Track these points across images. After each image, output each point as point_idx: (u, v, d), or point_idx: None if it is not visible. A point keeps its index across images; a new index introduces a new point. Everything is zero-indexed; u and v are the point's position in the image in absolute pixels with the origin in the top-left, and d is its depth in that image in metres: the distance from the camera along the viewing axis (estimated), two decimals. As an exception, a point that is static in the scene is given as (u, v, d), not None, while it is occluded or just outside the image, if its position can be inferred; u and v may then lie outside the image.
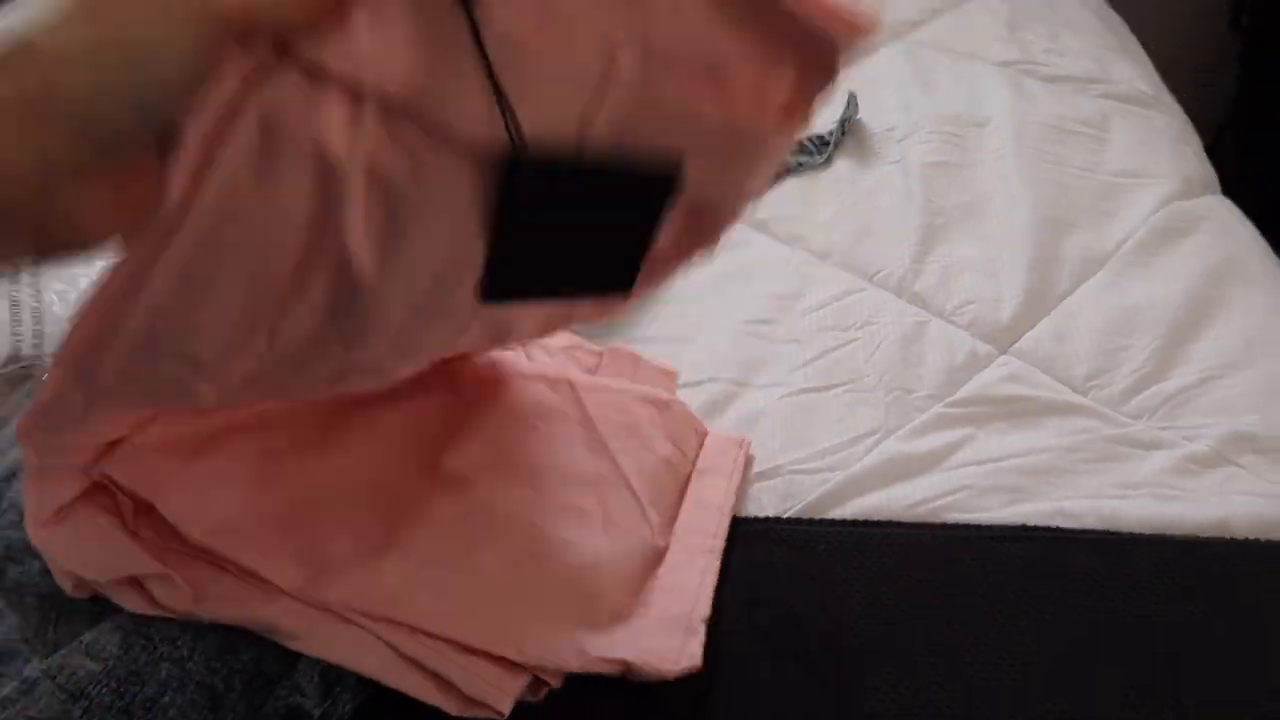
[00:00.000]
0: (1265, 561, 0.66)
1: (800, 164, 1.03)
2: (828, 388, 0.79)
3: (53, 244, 0.34)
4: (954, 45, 1.22)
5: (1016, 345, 0.82)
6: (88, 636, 0.62)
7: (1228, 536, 0.67)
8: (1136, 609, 0.63)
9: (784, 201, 0.99)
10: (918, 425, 0.75)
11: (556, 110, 0.40)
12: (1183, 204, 0.93)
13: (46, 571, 0.70)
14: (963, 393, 0.78)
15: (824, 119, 1.10)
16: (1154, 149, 1.01)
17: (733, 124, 0.46)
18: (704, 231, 0.53)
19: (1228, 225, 0.92)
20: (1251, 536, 0.67)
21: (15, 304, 0.84)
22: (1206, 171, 1.02)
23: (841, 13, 0.43)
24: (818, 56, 0.45)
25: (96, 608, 0.66)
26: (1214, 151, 2.16)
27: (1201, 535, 0.66)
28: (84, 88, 0.30)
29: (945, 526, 0.68)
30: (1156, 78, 1.18)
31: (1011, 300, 0.85)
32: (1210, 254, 0.88)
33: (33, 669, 0.62)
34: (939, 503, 0.69)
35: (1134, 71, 1.15)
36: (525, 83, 0.38)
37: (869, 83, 1.15)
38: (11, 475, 0.76)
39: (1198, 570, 0.65)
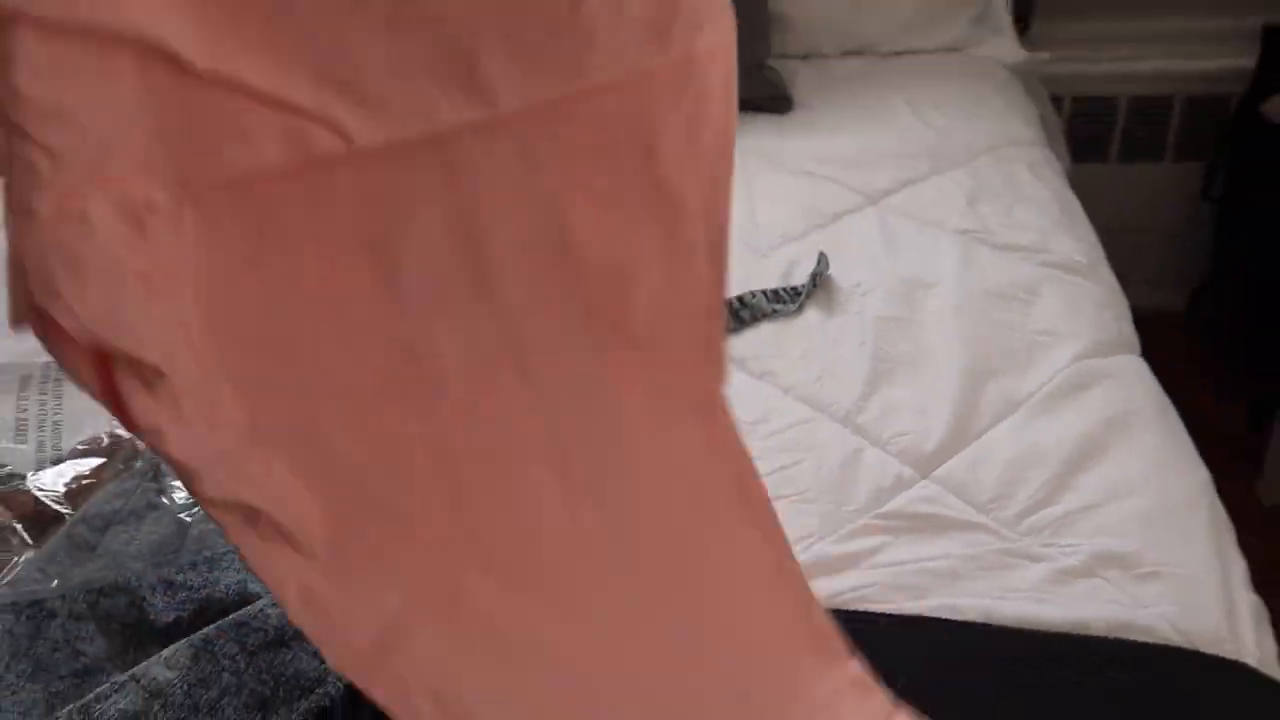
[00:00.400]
0: (1115, 655, 0.81)
1: (776, 311, 1.22)
2: (778, 498, 0.94)
3: None
4: (920, 213, 1.41)
5: (936, 471, 0.99)
6: (166, 651, 0.79)
7: (1087, 634, 0.82)
8: (1002, 684, 0.78)
9: (760, 343, 1.17)
10: (845, 533, 0.92)
11: None
12: (1092, 361, 1.11)
13: (131, 605, 0.87)
14: (887, 508, 0.95)
15: (800, 272, 1.29)
16: (1076, 312, 1.19)
17: None
18: None
19: (1130, 383, 1.09)
20: (1106, 635, 0.82)
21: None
22: (1122, 335, 1.19)
23: None
24: None
25: (169, 636, 0.83)
26: (1191, 310, 2.35)
27: (1063, 631, 0.82)
28: None
29: (855, 613, 0.84)
30: (1094, 249, 1.36)
31: (936, 435, 1.02)
32: (1109, 406, 1.05)
33: (120, 676, 0.78)
34: (853, 595, 0.86)
35: (1073, 244, 1.33)
36: None
37: (843, 242, 1.35)
38: (108, 525, 0.94)
39: (1056, 657, 0.81)
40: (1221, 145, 2.20)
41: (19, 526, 0.93)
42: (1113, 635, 0.82)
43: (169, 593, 0.88)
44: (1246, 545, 1.86)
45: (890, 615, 0.83)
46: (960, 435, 1.02)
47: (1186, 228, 2.41)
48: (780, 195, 1.49)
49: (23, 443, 0.94)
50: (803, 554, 0.89)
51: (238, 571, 0.90)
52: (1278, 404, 1.95)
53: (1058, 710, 0.77)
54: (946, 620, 0.83)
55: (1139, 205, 2.41)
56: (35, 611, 0.86)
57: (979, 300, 1.20)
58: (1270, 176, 2.02)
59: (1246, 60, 2.16)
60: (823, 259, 1.27)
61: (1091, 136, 2.34)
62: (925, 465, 0.99)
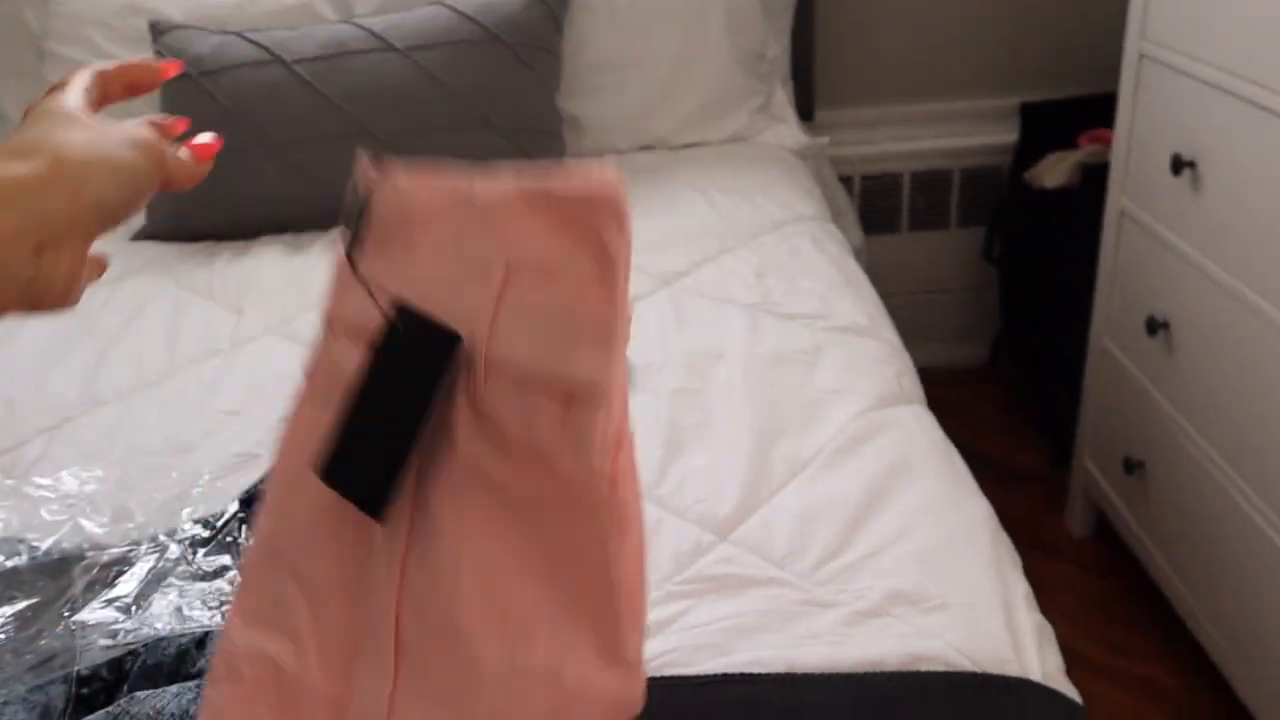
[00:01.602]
0: (909, 687, 0.85)
1: (575, 394, 1.24)
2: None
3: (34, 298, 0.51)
4: (709, 290, 1.47)
5: (733, 534, 1.02)
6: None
7: (881, 670, 0.86)
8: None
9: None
10: (650, 600, 0.93)
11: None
12: (874, 414, 1.17)
13: None
14: (687, 573, 0.97)
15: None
16: (857, 370, 1.25)
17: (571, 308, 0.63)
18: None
19: (910, 431, 1.15)
20: (899, 669, 0.86)
21: None
22: (905, 387, 1.26)
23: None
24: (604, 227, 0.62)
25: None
26: (994, 360, 2.48)
27: (860, 670, 0.85)
28: (99, 181, 0.51)
29: (661, 678, 0.85)
30: (876, 310, 1.44)
31: (731, 498, 1.05)
32: (890, 454, 1.10)
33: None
34: (660, 660, 0.87)
35: (854, 306, 1.41)
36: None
37: (640, 325, 1.39)
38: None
39: (855, 697, 0.84)
40: (997, 211, 2.36)
41: None
42: (906, 669, 0.85)
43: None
44: (1060, 573, 1.96)
45: (694, 677, 0.85)
46: (753, 496, 1.06)
47: (978, 285, 2.57)
48: (578, 286, 1.53)
49: None
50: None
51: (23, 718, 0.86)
52: (1073, 442, 2.07)
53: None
54: (747, 674, 0.85)
55: (932, 268, 2.56)
56: None
57: (764, 367, 1.26)
58: (1039, 236, 2.18)
59: (1010, 134, 2.35)
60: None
61: (882, 209, 2.49)
62: (722, 528, 1.03)
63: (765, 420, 1.16)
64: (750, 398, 1.20)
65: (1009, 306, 2.41)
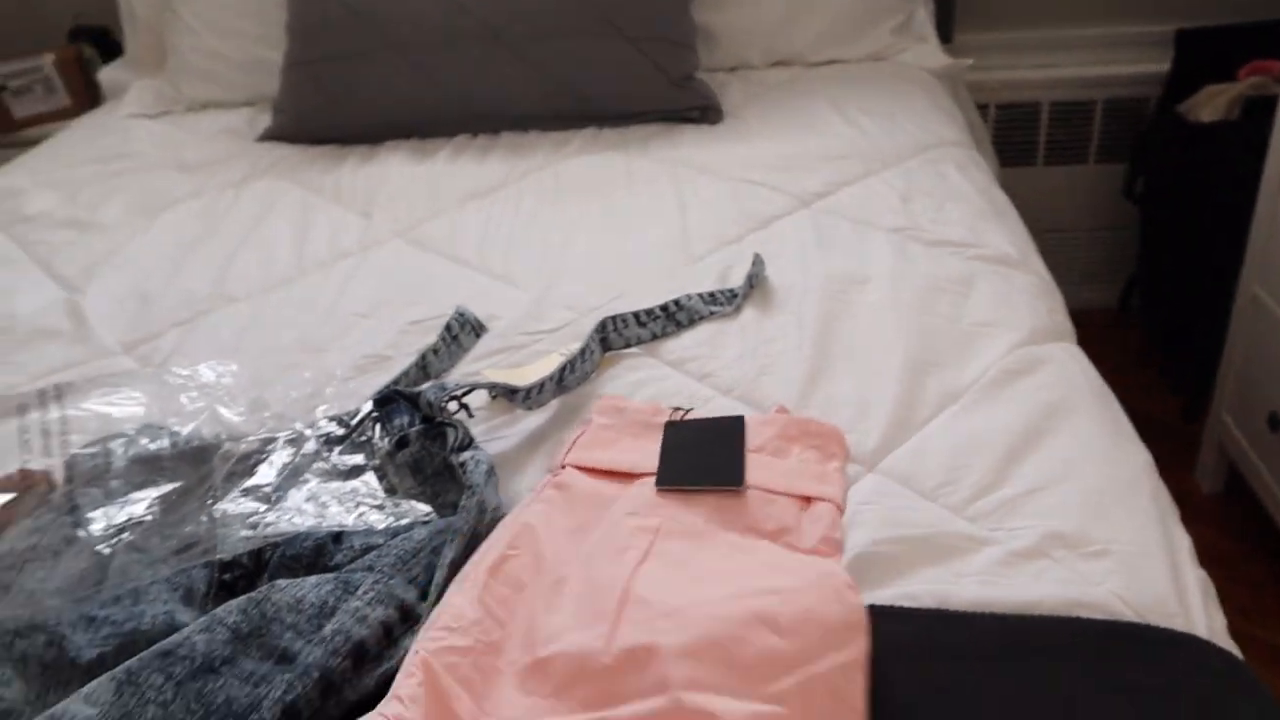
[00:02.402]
0: (1068, 632, 0.80)
1: (713, 313, 1.20)
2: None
3: None
4: (853, 213, 1.41)
5: (881, 464, 0.97)
6: (86, 688, 0.75)
7: (1038, 614, 0.81)
8: (959, 670, 0.77)
9: (697, 345, 1.16)
10: (795, 528, 0.90)
11: None
12: (1029, 349, 1.10)
13: (50, 643, 0.83)
14: (833, 502, 0.93)
15: (735, 275, 1.28)
16: (1010, 303, 1.19)
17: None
18: None
19: (1068, 369, 1.09)
20: (1058, 614, 0.81)
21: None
22: (1057, 324, 1.19)
23: None
24: None
25: (91, 675, 0.78)
26: (1124, 305, 2.38)
27: (1016, 612, 0.81)
28: None
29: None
30: (1025, 242, 1.37)
31: (879, 429, 1.01)
32: (1047, 392, 1.04)
33: (39, 717, 0.74)
34: (805, 589, 0.83)
35: (1003, 237, 1.34)
36: None
37: (778, 245, 1.34)
38: (23, 564, 0.89)
39: (1011, 639, 0.79)
40: (1141, 146, 2.24)
41: (-72, 570, 0.88)
42: (1065, 614, 0.81)
43: (90, 629, 0.84)
44: (1187, 531, 1.88)
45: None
46: (903, 427, 1.01)
47: (1113, 226, 2.46)
48: (713, 202, 1.49)
49: (-70, 480, 0.89)
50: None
51: (164, 603, 0.86)
52: (1209, 396, 1.97)
53: (1015, 692, 0.75)
54: (897, 608, 0.81)
55: (1065, 205, 2.45)
56: (-54, 656, 0.82)
57: (914, 294, 1.20)
58: (1187, 174, 2.05)
59: (1161, 64, 2.21)
60: (758, 260, 1.27)
61: (1017, 141, 2.38)
62: (870, 459, 0.98)
63: (915, 349, 1.11)
64: (899, 325, 1.14)
65: (1147, 248, 2.29)
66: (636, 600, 0.78)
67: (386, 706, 0.70)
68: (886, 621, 0.81)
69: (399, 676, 0.73)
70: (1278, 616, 1.72)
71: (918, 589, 0.83)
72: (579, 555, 0.84)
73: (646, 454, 0.95)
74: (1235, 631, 1.65)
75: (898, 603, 0.82)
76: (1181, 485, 2.02)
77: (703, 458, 0.94)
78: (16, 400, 0.99)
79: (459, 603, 0.80)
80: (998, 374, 1.07)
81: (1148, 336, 2.41)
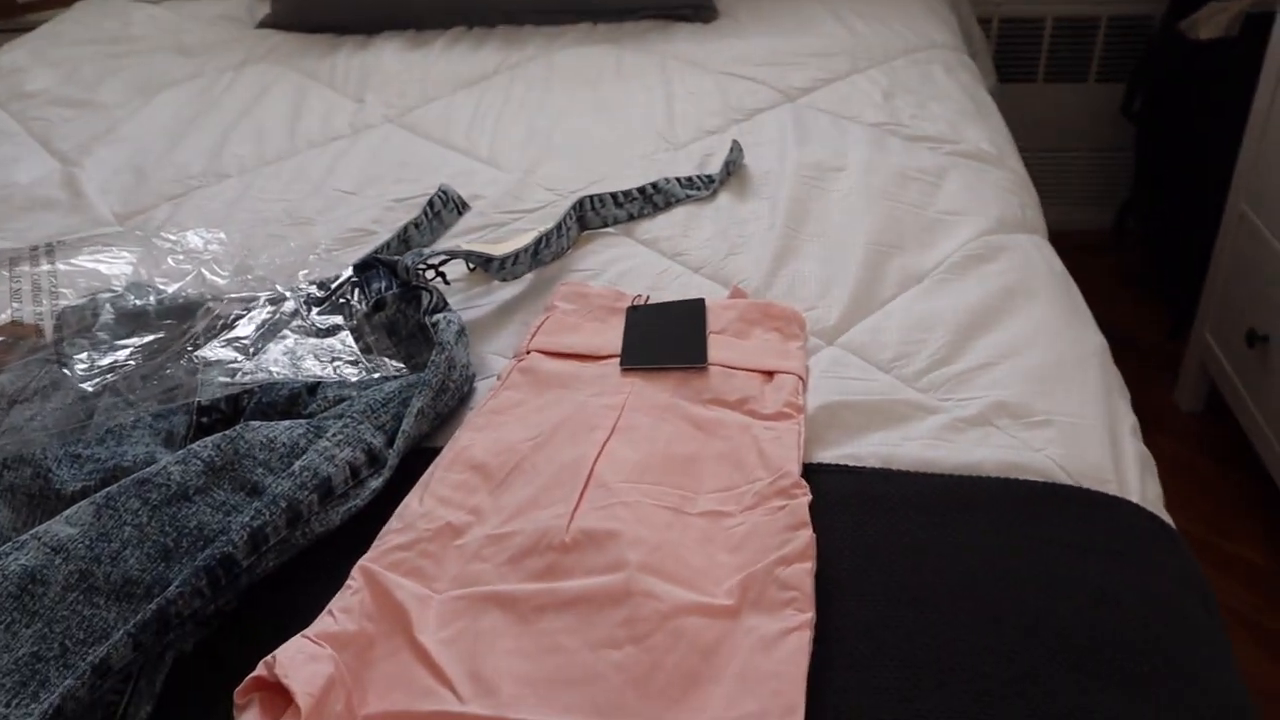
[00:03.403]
0: (1004, 493, 0.84)
1: (689, 196, 1.23)
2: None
3: None
4: (835, 108, 1.43)
5: (840, 338, 1.01)
6: (67, 511, 0.79)
7: (978, 474, 0.85)
8: (899, 524, 0.81)
9: (671, 225, 1.18)
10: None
11: None
12: (995, 237, 1.13)
13: (36, 475, 0.87)
14: (790, 371, 0.96)
15: (714, 163, 1.30)
16: (980, 195, 1.21)
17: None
18: None
19: (1031, 257, 1.12)
20: (996, 475, 0.85)
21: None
22: (1028, 218, 1.21)
23: None
24: None
25: (74, 504, 0.83)
26: (1118, 226, 2.39)
27: (957, 473, 0.85)
28: None
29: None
30: (1005, 143, 1.38)
31: (839, 304, 1.04)
32: (1008, 276, 1.07)
33: (21, 536, 0.78)
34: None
35: (982, 135, 1.35)
36: None
37: (759, 136, 1.36)
38: (11, 404, 0.93)
39: (950, 498, 0.83)
40: (1142, 62, 2.23)
41: (-76, 410, 0.93)
42: (1003, 475, 0.85)
43: (75, 464, 0.88)
44: (1164, 446, 1.91)
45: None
46: (863, 305, 1.04)
47: (1111, 147, 2.46)
48: (699, 94, 1.51)
49: (-77, 323, 0.93)
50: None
51: (146, 444, 0.90)
52: (1193, 313, 1.99)
53: (951, 545, 0.79)
54: (842, 465, 0.85)
55: (1064, 124, 2.45)
56: (-62, 485, 0.86)
57: (886, 183, 1.22)
58: (1186, 92, 2.05)
59: (1168, -21, 2.20)
60: (736, 147, 1.29)
61: (1019, 57, 2.37)
62: (830, 334, 1.01)
63: (882, 234, 1.13)
64: (868, 211, 1.17)
65: (1143, 167, 2.30)
66: (599, 484, 0.80)
67: (317, 624, 0.71)
68: (830, 477, 0.85)
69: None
70: (1247, 533, 1.76)
71: (863, 450, 0.87)
72: (544, 434, 0.87)
73: (609, 338, 0.98)
74: (1205, 544, 1.69)
75: (842, 462, 0.86)
76: (1162, 403, 2.06)
77: (665, 339, 0.97)
78: (9, 253, 1.03)
79: (407, 501, 0.82)
80: (961, 259, 1.10)
81: (1141, 258, 2.43)
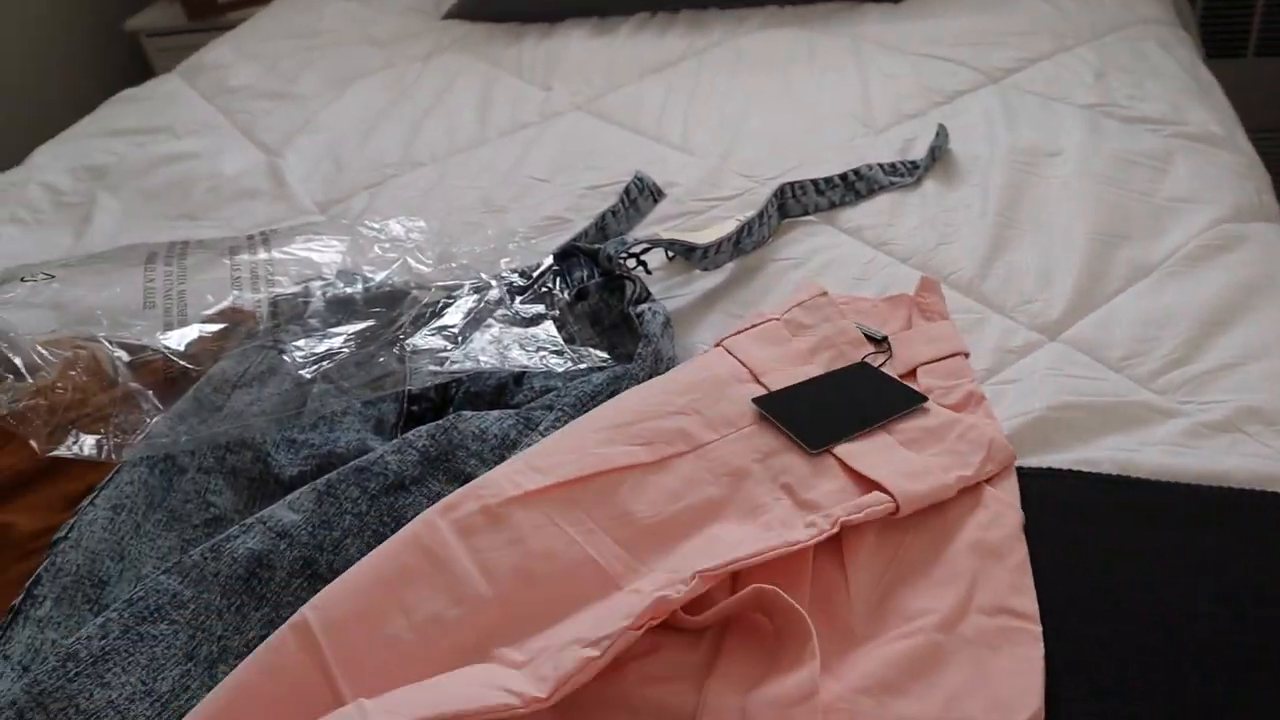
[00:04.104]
0: (1257, 506, 0.77)
1: (893, 183, 1.18)
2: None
3: None
4: (1043, 90, 1.36)
5: (1064, 334, 0.95)
6: (290, 496, 0.80)
7: (1226, 485, 0.78)
8: (1140, 536, 0.75)
9: (876, 213, 1.14)
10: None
11: None
12: (1231, 226, 1.05)
13: (256, 459, 0.89)
14: (1009, 370, 0.91)
15: (916, 149, 1.25)
16: (1211, 180, 1.12)
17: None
18: None
19: (1270, 247, 1.03)
20: (1248, 487, 0.78)
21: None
22: (1265, 204, 1.12)
23: None
24: None
25: (292, 489, 0.84)
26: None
27: (1202, 483, 0.78)
28: None
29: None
30: (1232, 122, 1.29)
31: (1061, 298, 0.98)
32: (1248, 269, 0.99)
33: (247, 519, 0.80)
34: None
35: (1208, 115, 1.26)
36: None
37: (963, 119, 1.30)
38: (232, 387, 0.96)
39: (1197, 508, 0.77)
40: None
41: (151, 394, 0.96)
42: (1255, 487, 0.78)
43: (291, 449, 0.90)
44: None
45: (1023, 468, 0.80)
46: (1088, 299, 0.98)
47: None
48: (895, 76, 1.45)
49: (151, 310, 0.96)
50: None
51: (357, 431, 0.92)
52: None
53: (1200, 560, 0.73)
54: (1075, 471, 0.80)
55: (1275, 101, 2.28)
56: (167, 466, 0.89)
57: (1106, 168, 1.15)
58: None
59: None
60: (942, 131, 1.23)
61: (1226, 29, 2.22)
62: (1052, 329, 0.95)
63: (1105, 222, 1.06)
64: (1089, 199, 1.10)
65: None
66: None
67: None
68: (1062, 483, 0.80)
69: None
70: None
71: (1098, 455, 0.81)
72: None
73: (792, 378, 0.88)
74: None
75: (1077, 467, 0.81)
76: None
77: (827, 409, 0.84)
78: (229, 242, 1.06)
79: None
80: (1195, 249, 1.02)
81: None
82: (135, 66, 2.59)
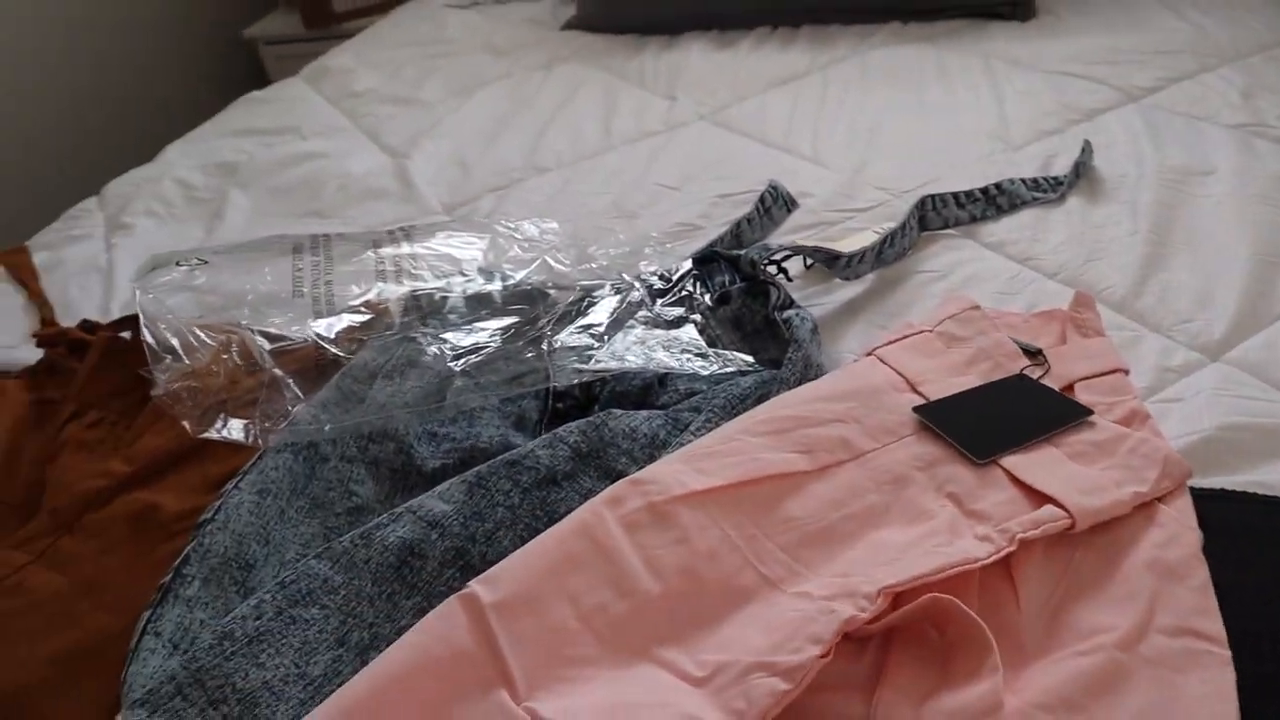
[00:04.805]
0: None
1: (1036, 199, 1.15)
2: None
3: None
4: (1187, 109, 1.32)
5: (1228, 354, 0.91)
6: (440, 487, 0.80)
7: None
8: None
9: (1019, 228, 1.11)
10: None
11: None
12: (1402, 250, 1.00)
13: (399, 451, 0.89)
14: (1170, 390, 0.88)
15: (1058, 166, 1.22)
16: (1378, 203, 1.08)
17: None
18: None
19: None
20: None
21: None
22: None
23: None
24: None
25: (433, 481, 0.84)
26: None
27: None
28: None
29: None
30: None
31: (1225, 319, 0.94)
32: None
33: (396, 509, 0.80)
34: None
35: (1367, 138, 1.22)
36: None
37: (1105, 137, 1.27)
38: (373, 377, 0.96)
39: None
40: None
41: (292, 381, 0.97)
42: None
43: (433, 442, 0.90)
44: None
45: (1195, 489, 0.77)
46: (1252, 320, 0.94)
47: None
48: (1030, 94, 1.43)
49: (300, 298, 0.97)
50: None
51: (497, 427, 0.91)
52: None
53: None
54: (1256, 495, 0.77)
55: None
56: (310, 454, 0.89)
57: (1264, 188, 1.11)
58: None
59: None
60: (1086, 147, 1.20)
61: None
62: (1214, 349, 0.92)
63: (1266, 243, 1.03)
64: (1246, 219, 1.06)
65: None
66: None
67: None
68: (1235, 506, 0.76)
69: None
70: None
71: (1272, 478, 0.78)
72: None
73: (950, 389, 0.86)
74: None
75: (1249, 489, 0.77)
76: None
77: (994, 419, 0.82)
78: (372, 236, 1.07)
79: None
80: (1366, 272, 0.98)
81: None
82: (252, 73, 2.66)
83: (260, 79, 2.49)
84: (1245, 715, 0.62)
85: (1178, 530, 0.73)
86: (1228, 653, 0.65)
